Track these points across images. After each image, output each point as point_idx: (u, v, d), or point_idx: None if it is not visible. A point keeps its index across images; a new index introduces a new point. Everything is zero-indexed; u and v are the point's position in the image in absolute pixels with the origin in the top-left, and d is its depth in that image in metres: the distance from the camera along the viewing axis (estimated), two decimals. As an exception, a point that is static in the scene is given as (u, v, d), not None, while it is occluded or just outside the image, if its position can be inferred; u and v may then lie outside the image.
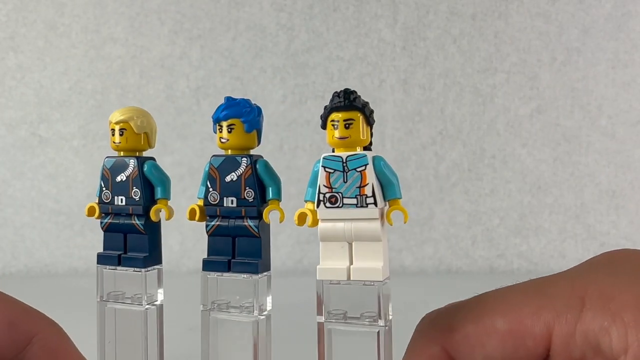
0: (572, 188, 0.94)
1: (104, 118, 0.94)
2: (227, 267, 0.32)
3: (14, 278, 0.91)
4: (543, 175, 0.94)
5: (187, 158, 0.92)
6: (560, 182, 0.94)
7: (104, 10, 0.95)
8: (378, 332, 0.28)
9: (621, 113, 0.94)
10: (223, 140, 0.33)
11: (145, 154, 0.36)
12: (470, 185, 0.94)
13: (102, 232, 0.35)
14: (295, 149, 0.92)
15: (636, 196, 0.94)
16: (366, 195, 0.28)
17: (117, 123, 0.34)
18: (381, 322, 0.28)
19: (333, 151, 0.30)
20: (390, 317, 0.29)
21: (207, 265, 0.33)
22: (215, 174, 0.33)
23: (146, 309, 0.34)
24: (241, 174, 0.32)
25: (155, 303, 0.35)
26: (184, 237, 0.91)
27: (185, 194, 0.81)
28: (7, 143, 0.95)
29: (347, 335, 0.29)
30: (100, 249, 0.37)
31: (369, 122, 0.29)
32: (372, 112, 0.29)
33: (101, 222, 0.35)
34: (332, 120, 0.29)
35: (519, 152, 0.94)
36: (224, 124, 0.32)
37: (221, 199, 0.33)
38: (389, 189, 0.29)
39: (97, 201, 0.35)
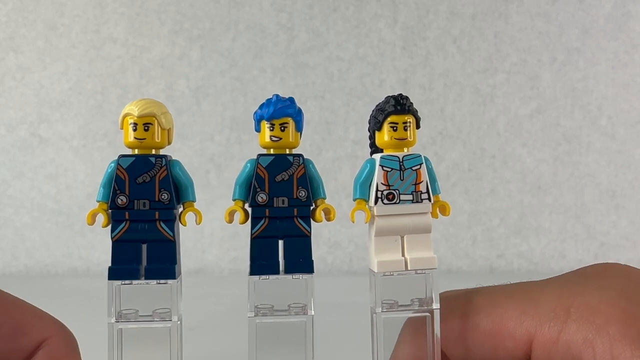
0: (572, 188, 0.94)
1: (104, 118, 0.95)
2: (279, 269, 0.31)
3: (14, 278, 0.91)
4: (543, 175, 0.94)
5: (187, 158, 0.91)
6: (560, 182, 0.94)
7: (103, 10, 0.95)
8: (432, 312, 0.30)
9: (621, 113, 0.94)
10: (275, 139, 0.32)
11: (162, 151, 0.33)
12: (470, 185, 0.94)
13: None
14: (295, 148, 0.91)
15: (636, 196, 0.94)
16: (421, 191, 0.32)
17: (141, 117, 0.31)
18: (435, 305, 0.30)
19: (381, 151, 0.33)
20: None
21: (257, 269, 0.31)
22: (264, 174, 0.32)
23: (177, 323, 0.31)
24: (294, 173, 0.32)
25: (180, 315, 0.32)
26: (184, 237, 0.90)
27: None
28: (7, 143, 0.95)
29: (396, 322, 0.31)
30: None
31: (419, 125, 0.32)
32: (420, 118, 0.33)
33: (112, 231, 0.31)
34: (392, 123, 0.32)
35: (519, 152, 0.94)
36: (277, 122, 0.32)
37: (270, 199, 0.32)
38: (432, 186, 0.32)
39: (103, 207, 0.31)
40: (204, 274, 0.92)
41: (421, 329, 0.30)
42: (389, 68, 0.94)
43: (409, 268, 0.31)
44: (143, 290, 0.31)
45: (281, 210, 0.32)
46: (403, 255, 0.32)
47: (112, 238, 0.31)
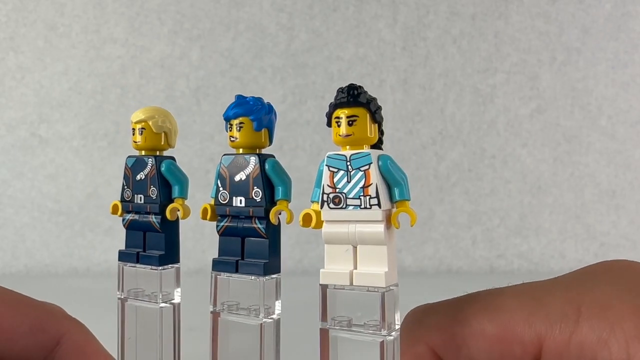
0: (572, 188, 0.94)
1: (104, 118, 0.95)
2: (236, 268, 0.32)
3: (14, 278, 0.91)
4: (543, 175, 0.94)
5: (187, 158, 0.92)
6: (560, 182, 0.94)
7: (104, 11, 0.95)
8: (382, 342, 0.26)
9: (621, 113, 0.94)
10: (233, 139, 0.32)
11: (165, 153, 0.37)
12: (470, 185, 0.94)
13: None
14: (295, 149, 0.91)
15: (636, 196, 0.94)
16: (370, 196, 0.26)
17: (137, 122, 0.35)
18: (384, 332, 0.26)
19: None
20: (397, 325, 0.27)
21: (217, 266, 0.33)
22: (225, 173, 0.33)
23: (161, 307, 0.34)
24: (249, 174, 0.32)
25: (172, 301, 0.35)
26: (184, 237, 0.90)
27: (185, 194, 0.81)
28: (7, 143, 0.95)
29: (352, 344, 0.27)
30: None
31: (375, 119, 0.27)
32: (378, 108, 0.28)
33: (123, 220, 0.36)
34: (336, 117, 0.27)
35: (519, 152, 0.94)
36: (234, 122, 0.32)
37: (230, 199, 0.32)
38: (395, 189, 0.27)
39: (120, 199, 0.37)
40: (204, 274, 0.92)
41: (420, 338, 0.27)
42: (389, 68, 0.94)
43: (354, 283, 0.27)
44: (143, 274, 0.35)
45: (239, 210, 0.32)
46: (356, 267, 0.27)
47: (123, 225, 0.36)
